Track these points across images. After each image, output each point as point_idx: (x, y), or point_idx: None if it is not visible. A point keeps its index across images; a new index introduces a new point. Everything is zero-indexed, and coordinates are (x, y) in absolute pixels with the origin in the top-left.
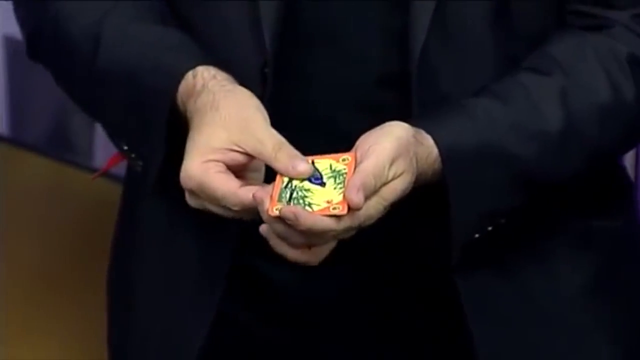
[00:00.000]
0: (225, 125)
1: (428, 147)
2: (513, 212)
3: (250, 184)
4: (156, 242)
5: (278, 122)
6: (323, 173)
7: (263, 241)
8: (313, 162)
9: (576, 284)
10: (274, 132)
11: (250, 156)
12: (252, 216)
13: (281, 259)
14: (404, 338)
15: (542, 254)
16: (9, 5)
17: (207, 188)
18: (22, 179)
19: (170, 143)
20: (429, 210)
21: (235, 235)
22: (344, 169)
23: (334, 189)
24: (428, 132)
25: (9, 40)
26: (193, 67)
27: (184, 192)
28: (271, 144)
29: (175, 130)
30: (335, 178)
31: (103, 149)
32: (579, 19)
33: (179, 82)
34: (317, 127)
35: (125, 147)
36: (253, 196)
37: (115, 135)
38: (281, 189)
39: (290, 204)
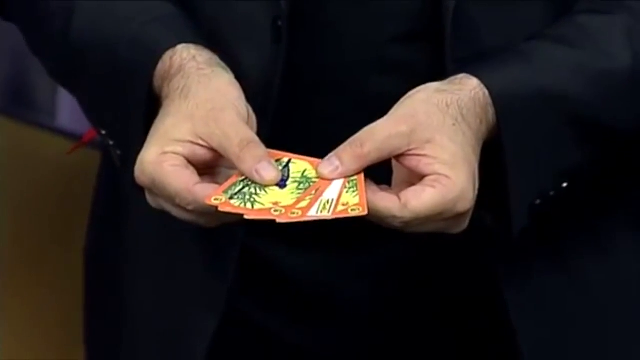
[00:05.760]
0: (191, 116)
1: (472, 88)
2: (577, 171)
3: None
4: (151, 233)
5: (294, 85)
6: (292, 175)
7: (273, 225)
8: (289, 161)
9: (637, 273)
10: (244, 127)
11: (217, 153)
12: (208, 220)
13: (291, 243)
14: (433, 332)
15: (597, 238)
16: None
17: (159, 184)
18: None
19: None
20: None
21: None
22: (315, 178)
23: (290, 193)
24: (474, 74)
25: None
26: (174, 45)
27: None
28: (238, 140)
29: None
30: (300, 184)
31: (67, 108)
32: None
33: (157, 60)
34: (336, 89)
35: (104, 132)
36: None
37: (92, 119)
38: (236, 181)
39: (233, 199)
